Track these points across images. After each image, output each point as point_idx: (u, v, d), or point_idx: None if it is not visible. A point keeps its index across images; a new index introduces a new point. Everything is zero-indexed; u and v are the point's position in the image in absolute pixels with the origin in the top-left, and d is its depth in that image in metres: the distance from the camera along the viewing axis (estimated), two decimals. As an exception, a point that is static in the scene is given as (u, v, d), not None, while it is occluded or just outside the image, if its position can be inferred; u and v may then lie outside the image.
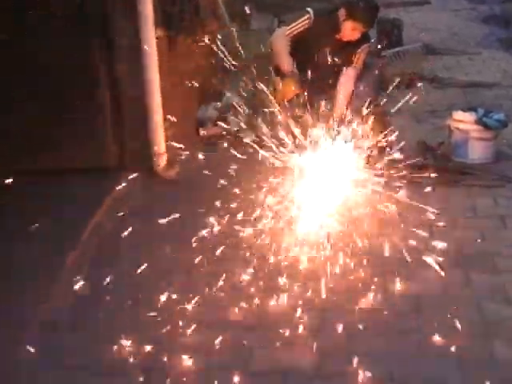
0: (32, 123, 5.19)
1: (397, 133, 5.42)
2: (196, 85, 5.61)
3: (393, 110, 6.00)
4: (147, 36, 5.12)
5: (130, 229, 4.42)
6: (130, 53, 5.17)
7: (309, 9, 5.73)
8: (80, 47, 5.09)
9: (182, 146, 5.40)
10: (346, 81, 5.78)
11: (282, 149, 4.92)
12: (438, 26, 11.02)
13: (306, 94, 5.47)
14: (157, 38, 5.19)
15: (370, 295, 3.90)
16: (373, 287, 3.96)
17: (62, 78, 5.08)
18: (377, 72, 6.21)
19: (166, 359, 3.38)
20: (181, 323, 3.63)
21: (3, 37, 4.97)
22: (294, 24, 5.71)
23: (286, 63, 5.61)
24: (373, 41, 8.22)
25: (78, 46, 5.07)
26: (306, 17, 5.66)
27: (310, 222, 4.50)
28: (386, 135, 5.33)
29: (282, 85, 5.52)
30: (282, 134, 5.00)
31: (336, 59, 5.76)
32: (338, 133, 5.23)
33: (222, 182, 4.70)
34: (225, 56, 5.28)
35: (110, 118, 5.27)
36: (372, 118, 5.23)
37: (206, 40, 5.34)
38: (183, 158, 5.39)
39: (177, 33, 5.45)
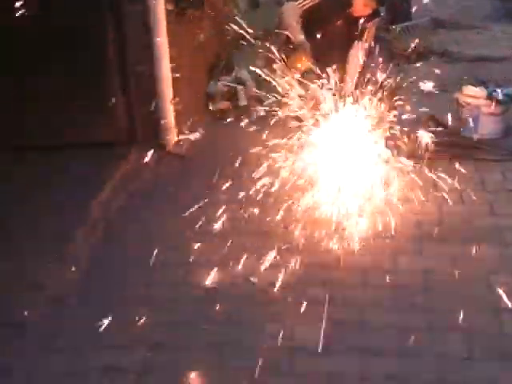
0: (42, 97, 5.21)
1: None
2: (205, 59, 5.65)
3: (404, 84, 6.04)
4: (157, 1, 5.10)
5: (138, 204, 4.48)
6: (139, 23, 5.15)
7: (319, -19, 5.71)
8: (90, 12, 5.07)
9: (191, 119, 5.44)
10: (356, 54, 5.78)
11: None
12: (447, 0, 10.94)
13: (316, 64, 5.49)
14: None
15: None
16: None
17: (75, 48, 5.06)
18: (386, 45, 6.19)
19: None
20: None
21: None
22: None
23: (297, 34, 5.60)
24: (381, 15, 8.25)
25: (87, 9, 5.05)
26: None
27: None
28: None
29: (293, 55, 5.52)
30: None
31: (346, 33, 5.76)
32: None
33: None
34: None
35: (119, 92, 5.26)
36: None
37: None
38: (193, 132, 5.44)
39: (185, 7, 5.41)
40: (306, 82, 5.34)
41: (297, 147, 4.72)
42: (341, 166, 4.63)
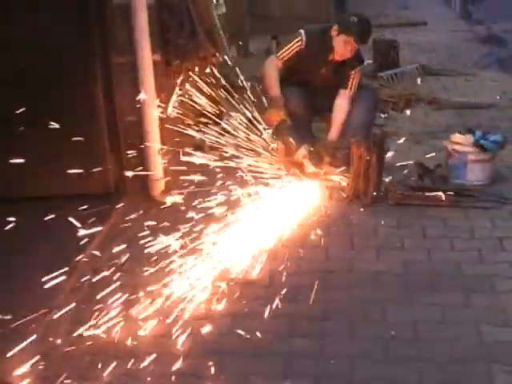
0: (31, 148, 5.20)
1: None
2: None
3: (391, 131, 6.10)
4: (143, 54, 5.13)
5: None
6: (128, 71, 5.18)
7: (301, 30, 5.79)
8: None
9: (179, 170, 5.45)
10: (341, 103, 5.83)
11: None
12: (435, 46, 11.06)
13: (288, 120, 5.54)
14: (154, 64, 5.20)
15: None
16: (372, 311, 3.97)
17: (63, 100, 5.08)
18: (372, 94, 6.23)
19: None
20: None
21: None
22: (285, 48, 5.78)
23: (273, 88, 5.67)
24: (369, 62, 8.37)
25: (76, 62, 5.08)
26: (297, 39, 5.74)
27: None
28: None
29: (268, 112, 5.58)
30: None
31: (331, 81, 5.82)
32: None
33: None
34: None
35: (108, 145, 5.26)
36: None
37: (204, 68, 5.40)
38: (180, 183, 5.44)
39: (174, 58, 5.45)
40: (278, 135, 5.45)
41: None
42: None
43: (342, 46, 5.63)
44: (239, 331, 3.75)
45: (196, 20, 5.64)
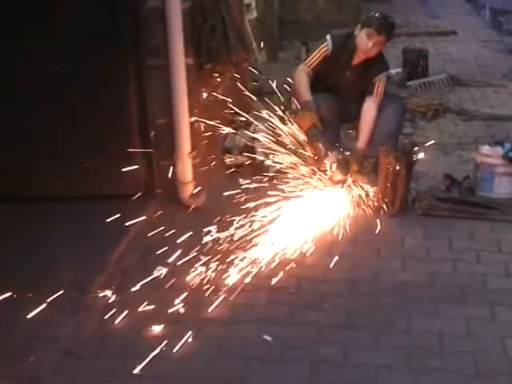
0: (63, 149, 5.28)
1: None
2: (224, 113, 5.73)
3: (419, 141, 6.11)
4: (177, 57, 5.18)
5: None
6: (160, 74, 5.23)
7: (327, 36, 5.84)
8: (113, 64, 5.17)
9: (208, 174, 5.50)
10: (368, 110, 5.84)
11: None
12: (465, 56, 11.02)
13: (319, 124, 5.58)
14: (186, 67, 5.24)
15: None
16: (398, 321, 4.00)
17: (95, 100, 5.14)
18: (399, 102, 6.24)
19: None
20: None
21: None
22: (312, 55, 5.84)
23: (303, 94, 5.72)
24: (398, 70, 8.38)
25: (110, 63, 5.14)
26: (323, 45, 5.80)
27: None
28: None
29: (299, 115, 5.62)
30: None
31: (357, 86, 5.85)
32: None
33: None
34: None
35: (139, 146, 5.31)
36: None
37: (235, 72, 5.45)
38: (209, 186, 5.48)
39: (206, 61, 5.49)
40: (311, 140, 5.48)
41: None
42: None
43: (364, 41, 5.65)
44: (265, 337, 3.78)
45: (229, 25, 5.67)
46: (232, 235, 4.72)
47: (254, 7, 8.62)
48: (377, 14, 5.66)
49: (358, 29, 5.70)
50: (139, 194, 5.22)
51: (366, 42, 5.64)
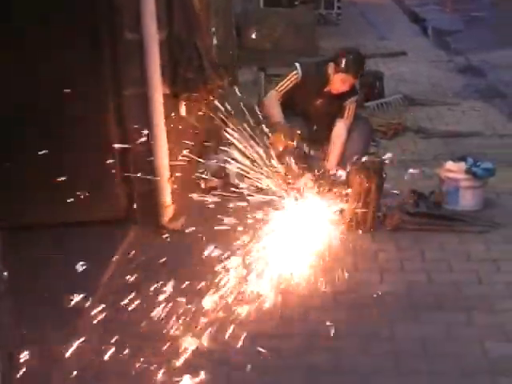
0: (43, 175, 5.39)
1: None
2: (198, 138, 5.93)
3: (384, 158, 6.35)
4: (154, 86, 5.38)
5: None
6: (139, 102, 5.42)
7: (297, 64, 6.08)
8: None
9: (186, 197, 5.68)
10: (339, 133, 6.11)
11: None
12: (416, 77, 11.34)
13: (295, 144, 5.82)
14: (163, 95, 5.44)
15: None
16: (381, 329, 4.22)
17: (75, 131, 5.29)
18: (367, 123, 6.52)
19: None
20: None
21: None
22: (283, 82, 6.08)
23: (275, 116, 5.96)
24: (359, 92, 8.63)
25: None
26: (293, 72, 6.06)
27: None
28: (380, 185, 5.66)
29: (273, 136, 5.84)
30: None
31: (327, 112, 6.10)
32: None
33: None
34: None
35: (119, 172, 5.48)
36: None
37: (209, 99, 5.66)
38: (187, 209, 5.67)
39: (182, 90, 5.70)
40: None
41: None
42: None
43: (340, 83, 5.94)
44: (260, 349, 3.98)
45: (203, 55, 5.89)
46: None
47: (213, 33, 8.83)
48: (351, 58, 5.91)
49: (332, 68, 5.93)
50: (120, 219, 5.37)
51: (341, 85, 5.94)
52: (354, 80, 6.04)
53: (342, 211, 5.56)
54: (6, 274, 2.85)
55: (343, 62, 5.92)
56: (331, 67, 5.96)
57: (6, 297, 2.85)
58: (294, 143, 5.81)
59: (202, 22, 6.27)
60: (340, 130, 6.13)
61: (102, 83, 5.32)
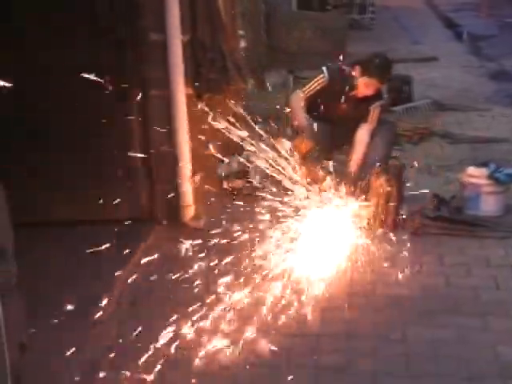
0: (68, 174, 5.50)
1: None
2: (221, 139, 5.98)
3: (407, 163, 6.37)
4: (177, 88, 5.46)
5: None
6: (162, 103, 5.50)
7: (324, 68, 6.10)
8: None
9: (207, 197, 5.75)
10: (362, 137, 6.12)
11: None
12: (447, 82, 11.31)
13: (317, 147, 5.86)
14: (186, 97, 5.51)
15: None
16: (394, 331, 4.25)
17: (98, 130, 5.37)
18: (391, 127, 6.52)
19: None
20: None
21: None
22: (309, 84, 6.11)
23: (300, 119, 5.99)
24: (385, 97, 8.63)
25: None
26: (320, 76, 6.06)
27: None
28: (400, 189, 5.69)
29: (297, 140, 5.89)
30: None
31: (352, 115, 6.12)
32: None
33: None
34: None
35: (141, 172, 5.56)
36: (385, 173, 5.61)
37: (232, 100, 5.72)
38: (209, 209, 5.73)
39: (205, 91, 5.77)
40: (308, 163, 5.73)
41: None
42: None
43: (364, 87, 5.95)
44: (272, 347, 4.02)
45: (227, 56, 5.94)
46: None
47: (243, 37, 8.90)
48: (377, 62, 5.94)
49: (358, 71, 5.95)
50: (143, 218, 5.46)
51: (366, 89, 5.96)
52: (380, 84, 6.04)
53: (362, 214, 5.58)
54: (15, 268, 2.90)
55: (368, 66, 5.93)
56: (357, 70, 5.97)
57: (17, 289, 2.91)
58: (316, 149, 5.84)
59: (227, 24, 6.30)
60: (363, 134, 6.14)
61: (126, 84, 5.38)
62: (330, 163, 6.10)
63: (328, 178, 5.74)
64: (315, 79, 6.10)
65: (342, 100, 6.12)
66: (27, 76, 5.02)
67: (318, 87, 6.08)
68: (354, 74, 5.99)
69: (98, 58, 5.29)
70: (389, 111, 9.21)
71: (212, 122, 5.91)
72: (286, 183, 5.54)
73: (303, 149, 5.85)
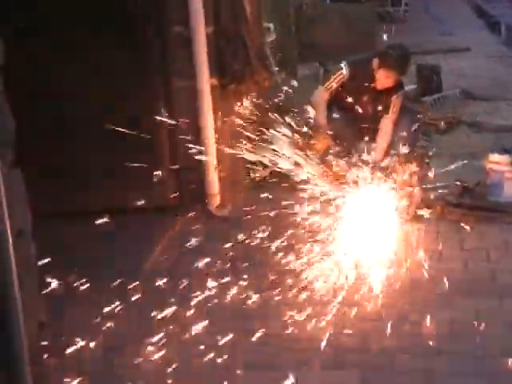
0: (96, 162, 5.68)
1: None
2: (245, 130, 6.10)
3: (431, 153, 6.45)
4: (203, 77, 5.60)
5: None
6: (187, 94, 5.65)
7: (342, 63, 6.17)
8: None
9: (233, 186, 5.89)
10: (385, 129, 6.19)
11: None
12: (477, 72, 11.31)
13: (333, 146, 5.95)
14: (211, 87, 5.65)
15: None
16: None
17: (128, 118, 5.51)
18: (417, 117, 6.59)
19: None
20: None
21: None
22: (330, 80, 6.19)
23: (319, 117, 6.09)
24: (412, 87, 8.71)
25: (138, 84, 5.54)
26: (339, 72, 6.12)
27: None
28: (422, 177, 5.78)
29: (314, 138, 5.99)
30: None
31: (374, 107, 6.20)
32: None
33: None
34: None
35: (168, 162, 5.71)
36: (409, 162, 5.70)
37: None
38: (235, 197, 5.87)
39: (229, 82, 5.89)
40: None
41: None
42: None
43: (384, 79, 6.01)
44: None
45: (250, 47, 6.06)
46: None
47: (272, 30, 9.03)
48: (394, 54, 6.00)
49: (376, 63, 6.02)
50: (170, 206, 5.61)
51: (385, 81, 6.02)
52: (399, 76, 6.10)
53: (385, 200, 5.65)
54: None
55: (386, 58, 6.00)
56: (376, 63, 6.04)
57: (35, 269, 3.06)
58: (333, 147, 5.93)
59: (250, 16, 6.41)
60: (387, 127, 6.19)
61: (152, 76, 5.54)
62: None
63: (352, 170, 5.82)
64: (335, 75, 6.18)
65: (364, 91, 6.20)
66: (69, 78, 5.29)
67: (338, 84, 6.16)
68: (373, 66, 6.07)
69: (124, 52, 5.46)
70: (418, 101, 9.31)
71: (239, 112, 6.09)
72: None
73: (321, 147, 5.94)
